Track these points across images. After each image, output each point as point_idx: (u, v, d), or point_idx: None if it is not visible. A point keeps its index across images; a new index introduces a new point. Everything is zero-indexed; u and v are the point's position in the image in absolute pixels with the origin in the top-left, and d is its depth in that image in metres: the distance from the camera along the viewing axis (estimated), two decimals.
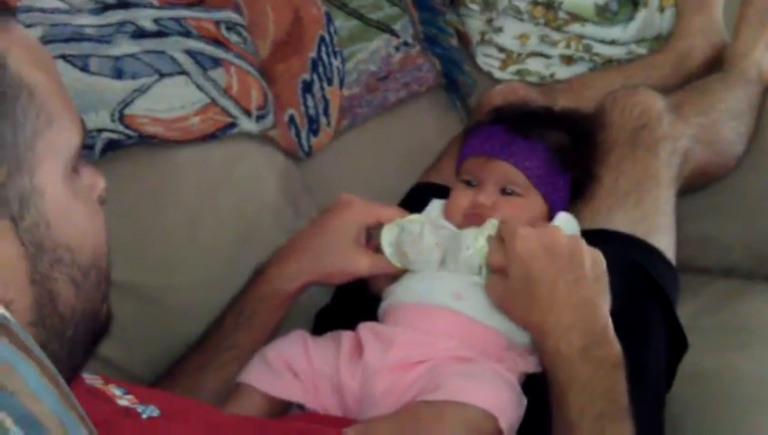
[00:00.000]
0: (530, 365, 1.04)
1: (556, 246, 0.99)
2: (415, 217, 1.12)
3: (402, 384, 0.99)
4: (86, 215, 0.75)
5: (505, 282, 1.01)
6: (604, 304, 0.99)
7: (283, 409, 1.04)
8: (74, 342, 0.73)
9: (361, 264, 1.11)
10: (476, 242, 1.05)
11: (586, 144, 1.21)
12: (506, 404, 0.95)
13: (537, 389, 0.99)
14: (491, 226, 1.05)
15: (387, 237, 1.10)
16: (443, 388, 0.94)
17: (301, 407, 1.04)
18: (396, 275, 1.12)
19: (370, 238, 1.14)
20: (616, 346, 0.96)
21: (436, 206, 1.17)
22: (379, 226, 1.13)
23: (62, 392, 0.57)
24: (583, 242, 1.01)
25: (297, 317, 1.18)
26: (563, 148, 1.16)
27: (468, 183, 1.15)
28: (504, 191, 1.12)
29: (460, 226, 1.11)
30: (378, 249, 1.12)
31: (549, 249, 0.99)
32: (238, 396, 1.03)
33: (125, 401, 0.80)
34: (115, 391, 0.82)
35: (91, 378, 0.82)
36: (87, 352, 0.75)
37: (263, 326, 1.12)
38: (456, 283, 1.07)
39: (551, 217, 1.13)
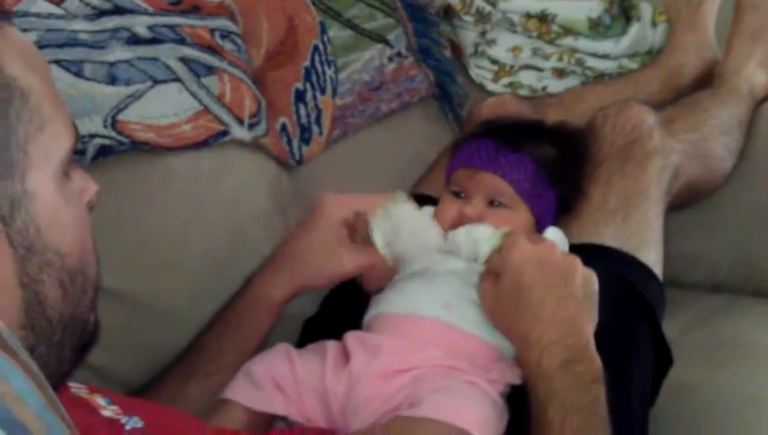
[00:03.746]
0: (517, 377, 1.04)
1: (549, 261, 1.00)
2: (395, 196, 1.11)
3: (386, 392, 0.99)
4: (75, 219, 0.75)
5: (497, 288, 1.01)
6: (589, 323, 1.00)
7: (266, 422, 1.04)
8: (62, 347, 0.73)
9: (345, 262, 1.11)
10: (491, 238, 1.05)
11: (575, 159, 1.22)
12: (486, 422, 0.95)
13: (522, 401, 1.00)
14: (503, 230, 1.06)
15: (375, 228, 1.09)
16: (422, 404, 0.94)
17: (284, 419, 1.04)
18: (388, 273, 1.12)
19: (354, 232, 1.13)
20: (596, 362, 0.97)
21: (427, 211, 1.18)
22: (359, 218, 1.12)
23: (48, 397, 0.57)
24: (578, 261, 1.02)
25: (283, 328, 1.18)
26: (552, 162, 1.16)
27: (456, 194, 1.15)
28: (491, 203, 1.13)
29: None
30: (365, 242, 1.11)
31: (542, 263, 1.00)
32: (221, 411, 1.02)
33: (109, 411, 0.80)
34: (100, 401, 0.81)
35: (76, 387, 0.82)
36: (75, 359, 0.75)
37: (250, 336, 1.12)
38: (445, 293, 1.07)
39: (538, 230, 1.14)
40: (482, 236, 1.06)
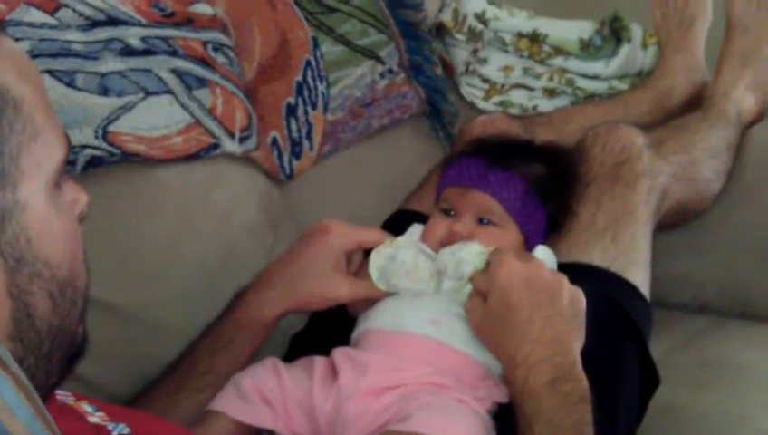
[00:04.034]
0: (504, 395, 1.04)
1: (537, 280, 1.00)
2: (402, 241, 1.11)
3: (374, 409, 0.99)
4: (66, 231, 0.74)
5: (484, 307, 1.01)
6: (576, 342, 1.00)
7: None
8: (50, 359, 0.72)
9: (341, 290, 1.11)
10: (477, 257, 1.05)
11: (565, 179, 1.22)
12: None
13: (509, 419, 1.00)
14: (489, 249, 1.06)
15: (375, 263, 1.09)
16: (411, 419, 0.93)
17: (271, 433, 1.04)
18: (376, 299, 1.12)
19: (351, 263, 1.14)
20: (583, 382, 0.97)
21: (416, 230, 1.18)
22: (360, 250, 1.13)
23: (37, 409, 0.57)
24: (565, 279, 1.02)
25: (272, 341, 1.17)
26: (542, 181, 1.16)
27: (446, 212, 1.15)
28: (480, 221, 1.13)
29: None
30: (358, 272, 1.12)
31: (530, 282, 1.00)
32: (208, 422, 1.02)
33: (96, 418, 0.79)
34: (86, 407, 0.81)
35: (62, 394, 0.81)
36: (63, 372, 0.75)
37: (240, 352, 1.12)
38: (433, 310, 1.07)
39: (527, 248, 1.14)
40: (467, 257, 1.06)
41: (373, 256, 1.10)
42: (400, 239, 1.12)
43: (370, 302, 1.12)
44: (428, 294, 1.08)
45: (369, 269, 1.09)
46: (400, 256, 1.08)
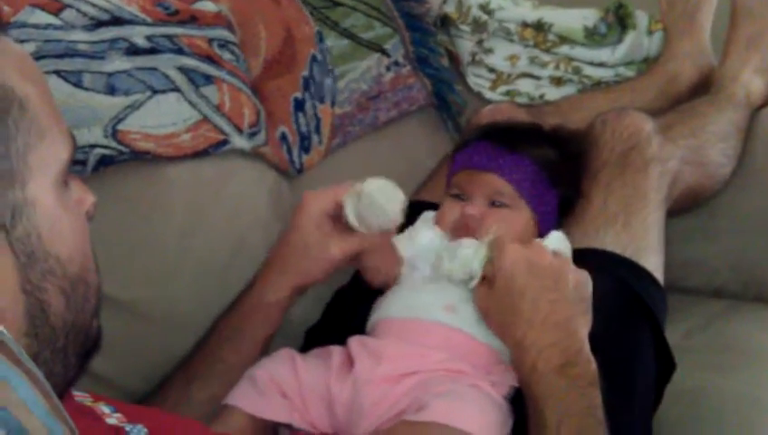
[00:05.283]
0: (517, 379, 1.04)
1: (540, 265, 1.01)
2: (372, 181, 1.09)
3: (392, 396, 0.99)
4: (74, 228, 0.75)
5: (491, 293, 1.02)
6: (583, 326, 1.00)
7: (270, 428, 1.04)
8: (65, 353, 0.73)
9: (332, 251, 1.10)
10: (478, 251, 1.05)
11: (573, 160, 1.22)
12: (490, 425, 0.96)
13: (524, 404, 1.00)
14: (488, 237, 1.06)
15: (348, 207, 1.07)
16: (428, 408, 0.94)
17: (289, 426, 1.04)
18: (389, 263, 1.11)
19: (337, 221, 1.11)
20: (592, 365, 0.98)
21: (428, 217, 1.18)
22: (338, 205, 1.11)
23: (53, 405, 0.57)
24: (569, 263, 1.03)
25: (287, 335, 1.18)
26: (551, 162, 1.17)
27: (457, 197, 1.16)
28: (492, 203, 1.13)
29: (449, 238, 1.11)
30: (348, 228, 1.09)
31: (533, 267, 1.01)
32: (224, 417, 1.02)
33: (114, 419, 0.79)
34: (104, 409, 0.81)
35: (80, 395, 0.82)
36: (79, 367, 0.75)
37: (250, 341, 1.12)
38: (448, 296, 1.07)
39: (540, 230, 1.14)
40: (469, 253, 1.05)
41: (345, 200, 1.08)
42: (368, 180, 1.09)
43: (388, 267, 1.11)
44: (395, 225, 1.06)
45: (346, 215, 1.07)
46: (364, 186, 1.06)
